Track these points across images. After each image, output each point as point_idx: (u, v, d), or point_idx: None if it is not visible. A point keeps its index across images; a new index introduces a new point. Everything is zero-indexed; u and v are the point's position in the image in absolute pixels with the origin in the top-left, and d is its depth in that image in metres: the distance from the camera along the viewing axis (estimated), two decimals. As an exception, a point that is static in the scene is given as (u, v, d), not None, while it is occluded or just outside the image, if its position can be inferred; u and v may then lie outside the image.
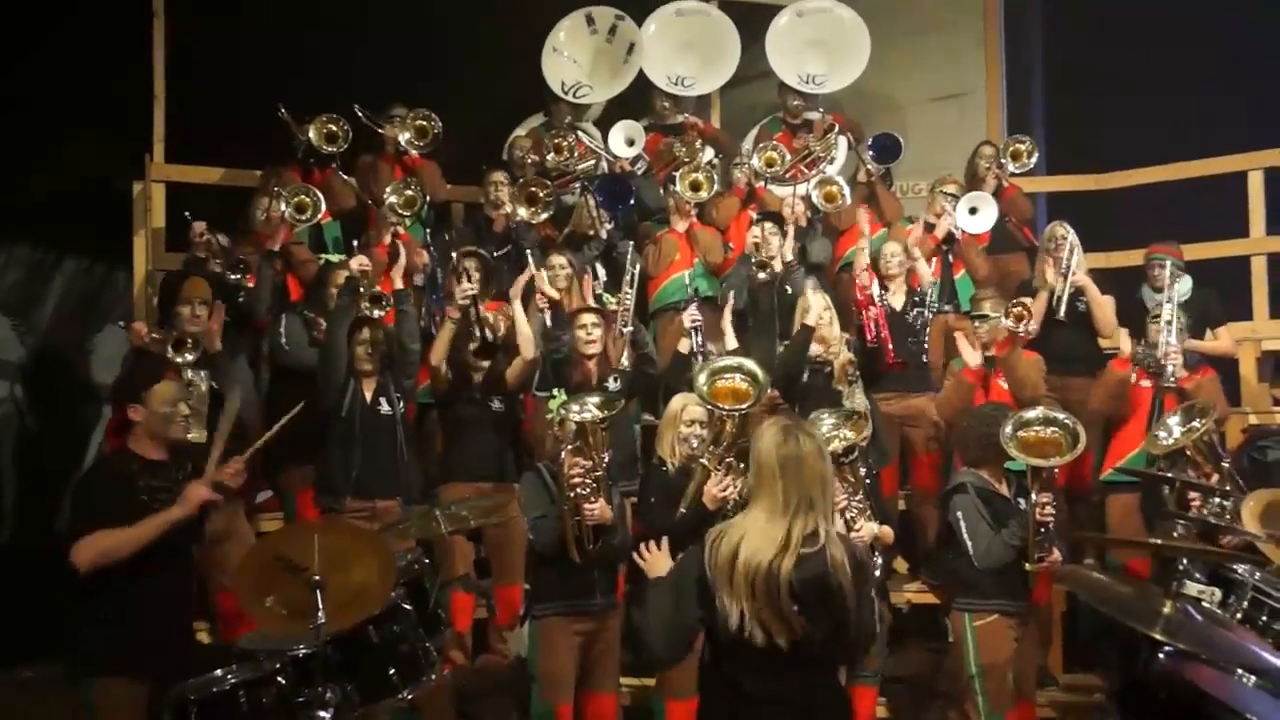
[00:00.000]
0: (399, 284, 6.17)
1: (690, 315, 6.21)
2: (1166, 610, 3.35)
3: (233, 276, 6.28)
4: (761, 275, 6.61)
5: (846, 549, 3.23)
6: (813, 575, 3.14)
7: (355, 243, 6.37)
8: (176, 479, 4.35)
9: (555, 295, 6.48)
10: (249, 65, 7.55)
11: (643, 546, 3.66)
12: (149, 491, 4.24)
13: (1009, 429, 5.05)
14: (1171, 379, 5.88)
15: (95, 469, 4.63)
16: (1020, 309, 6.13)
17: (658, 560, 3.58)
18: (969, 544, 5.08)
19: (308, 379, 5.99)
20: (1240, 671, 3.42)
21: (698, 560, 3.22)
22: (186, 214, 6.51)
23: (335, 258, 6.16)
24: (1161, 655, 3.36)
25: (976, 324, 6.24)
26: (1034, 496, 4.93)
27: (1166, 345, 5.92)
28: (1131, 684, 3.62)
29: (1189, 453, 5.32)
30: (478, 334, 5.93)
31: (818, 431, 3.36)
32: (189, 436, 5.36)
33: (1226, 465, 5.28)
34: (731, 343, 6.31)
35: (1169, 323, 5.98)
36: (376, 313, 5.93)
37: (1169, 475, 5.14)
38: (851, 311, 6.51)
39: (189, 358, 5.55)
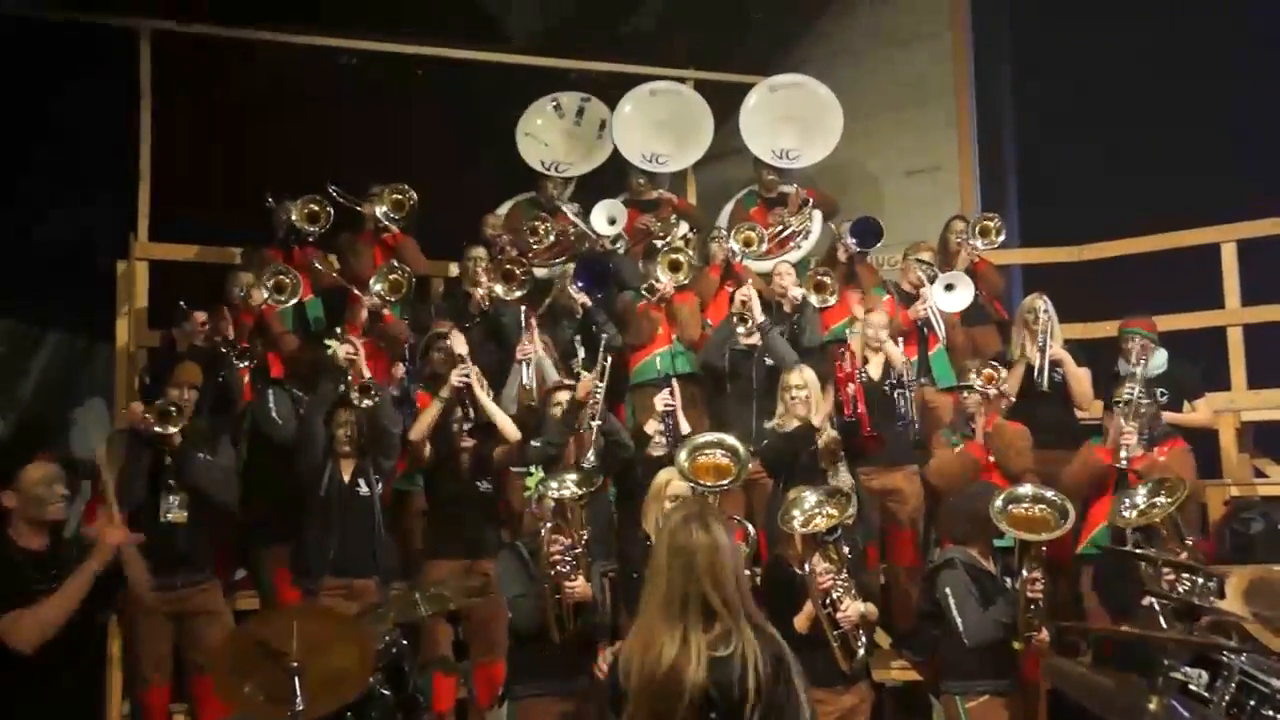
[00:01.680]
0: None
1: (663, 400, 6.23)
2: (1153, 707, 3.30)
3: (241, 364, 6.27)
4: (740, 330, 6.67)
5: (768, 652, 2.99)
6: (725, 683, 2.91)
7: (339, 330, 6.33)
8: (58, 570, 4.17)
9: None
10: (231, 145, 7.64)
11: (600, 659, 3.58)
12: (34, 583, 4.08)
13: (999, 503, 5.08)
14: (1123, 462, 5.84)
15: None
16: (990, 370, 6.20)
17: None
18: (958, 621, 5.06)
19: (285, 454, 6.00)
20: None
21: (614, 666, 3.07)
22: (182, 303, 6.50)
23: (332, 344, 6.17)
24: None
25: (964, 395, 6.27)
26: (1024, 573, 4.93)
27: (1120, 428, 5.90)
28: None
29: (1161, 530, 5.28)
30: (471, 414, 5.98)
31: (719, 524, 3.11)
32: (169, 518, 5.40)
33: (1190, 542, 5.27)
34: (685, 428, 6.32)
35: (1128, 403, 5.97)
36: (366, 402, 5.89)
37: (1150, 553, 5.10)
38: (833, 387, 6.53)
39: (172, 429, 5.51)
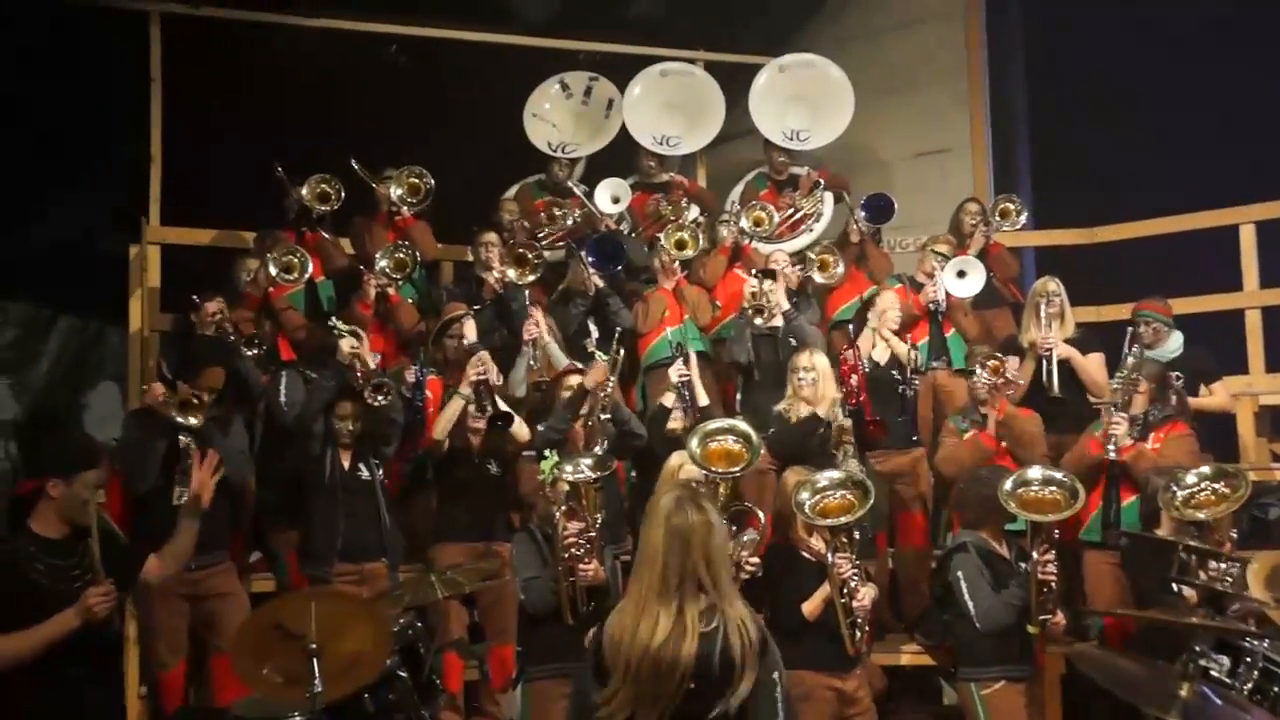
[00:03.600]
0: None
1: (678, 370, 6.21)
2: (1183, 693, 3.25)
3: (249, 352, 6.26)
4: (758, 320, 6.62)
5: (752, 634, 3.04)
6: (706, 655, 2.98)
7: (340, 323, 6.29)
8: (80, 556, 4.14)
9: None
10: (242, 128, 7.62)
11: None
12: (51, 573, 4.04)
13: (1009, 486, 5.03)
14: (1110, 453, 5.74)
15: None
16: (995, 361, 6.12)
17: None
18: (970, 605, 5.04)
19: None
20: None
21: (596, 642, 3.10)
22: (195, 297, 6.43)
23: (337, 325, 6.16)
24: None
25: (973, 381, 6.20)
26: (1034, 555, 4.90)
27: (1109, 419, 5.80)
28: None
29: (1210, 518, 5.08)
30: (489, 409, 5.93)
31: (709, 503, 3.18)
32: (183, 501, 5.38)
33: (1234, 534, 5.13)
34: (703, 399, 6.32)
35: (1115, 391, 5.89)
36: (380, 400, 5.88)
37: (1167, 537, 5.05)
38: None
39: (194, 420, 5.51)
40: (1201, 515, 5.05)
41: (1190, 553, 4.79)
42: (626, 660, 2.97)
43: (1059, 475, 5.11)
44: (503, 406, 6.00)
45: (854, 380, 6.23)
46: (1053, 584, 4.90)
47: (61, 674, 4.00)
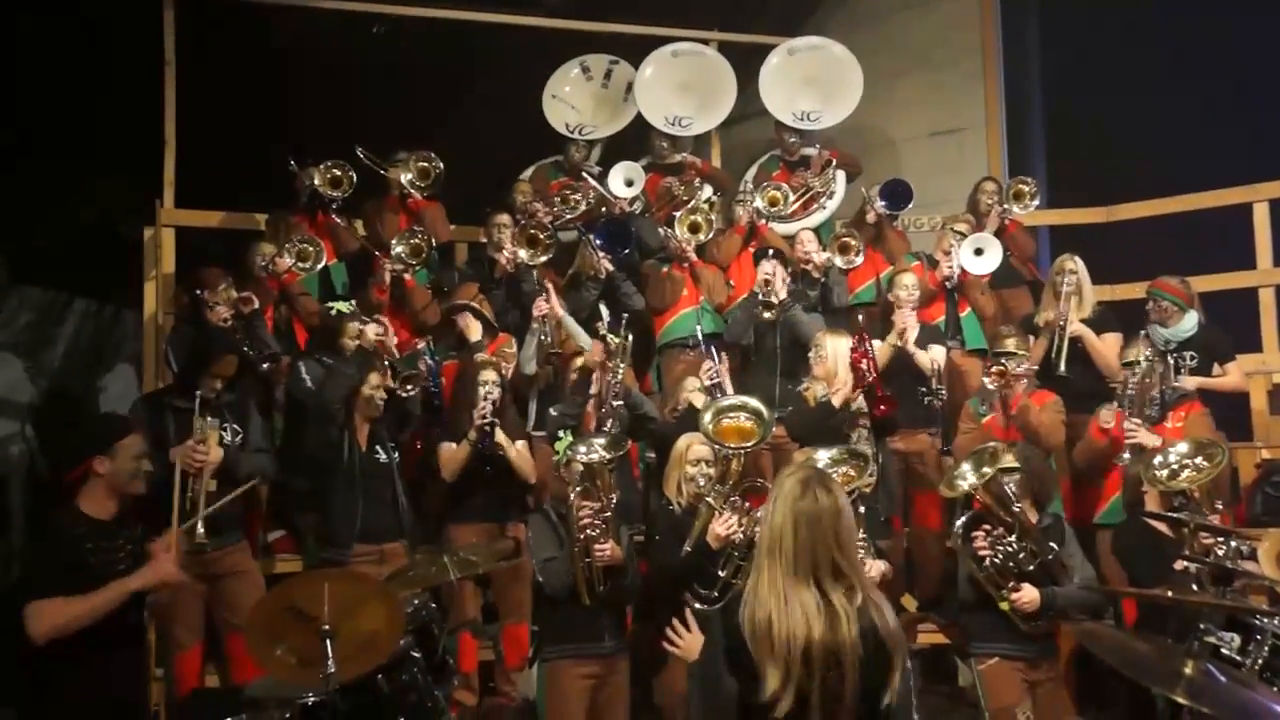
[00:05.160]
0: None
1: (708, 370, 6.19)
2: (1188, 671, 3.24)
3: (265, 366, 6.30)
4: (767, 315, 6.61)
5: (892, 620, 2.99)
6: (861, 638, 2.92)
7: (338, 306, 6.32)
8: (125, 539, 4.18)
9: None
10: (254, 110, 7.62)
11: (670, 632, 3.48)
12: (98, 554, 4.05)
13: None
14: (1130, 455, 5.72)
15: (44, 536, 4.35)
16: (999, 369, 5.99)
17: (693, 642, 3.41)
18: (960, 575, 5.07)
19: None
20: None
21: (733, 629, 3.01)
22: (203, 291, 6.40)
23: (344, 307, 6.20)
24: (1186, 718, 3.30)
25: (1002, 362, 6.11)
26: (956, 526, 4.91)
27: (1129, 428, 5.77)
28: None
29: (1194, 494, 5.06)
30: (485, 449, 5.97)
31: (837, 485, 3.12)
32: (196, 487, 5.42)
33: (1219, 506, 5.14)
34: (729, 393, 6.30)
35: (1128, 395, 5.88)
36: (409, 390, 5.98)
37: (1183, 517, 5.01)
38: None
39: (212, 420, 5.50)
40: (1185, 485, 5.01)
41: (1204, 531, 4.77)
42: (787, 649, 2.90)
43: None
44: (503, 441, 5.98)
45: (864, 365, 6.21)
46: (987, 561, 4.86)
47: (91, 657, 4.03)
